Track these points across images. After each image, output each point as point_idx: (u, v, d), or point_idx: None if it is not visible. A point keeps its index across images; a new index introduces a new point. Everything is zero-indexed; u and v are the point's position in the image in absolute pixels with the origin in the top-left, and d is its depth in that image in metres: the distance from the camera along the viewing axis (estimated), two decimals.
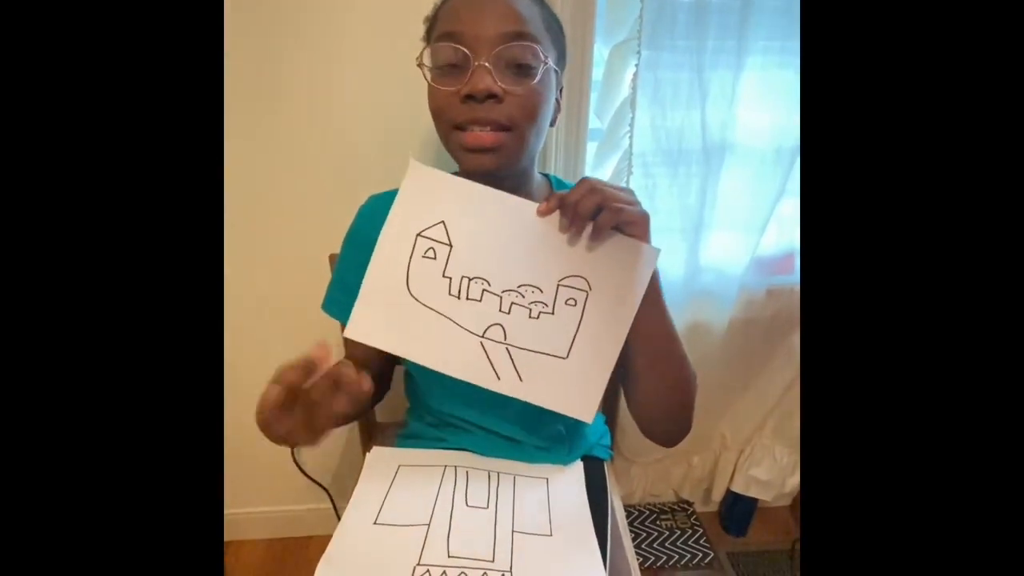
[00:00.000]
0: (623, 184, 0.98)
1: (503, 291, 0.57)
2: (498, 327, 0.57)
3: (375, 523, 0.60)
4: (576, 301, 0.56)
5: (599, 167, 1.01)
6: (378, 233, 0.57)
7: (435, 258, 0.56)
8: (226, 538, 1.30)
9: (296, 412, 0.53)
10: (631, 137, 0.95)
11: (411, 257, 0.57)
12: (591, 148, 0.99)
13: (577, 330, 0.57)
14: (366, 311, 0.58)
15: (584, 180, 0.52)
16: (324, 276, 0.80)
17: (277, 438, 0.54)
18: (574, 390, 0.59)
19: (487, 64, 0.55)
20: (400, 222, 0.57)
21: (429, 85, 0.59)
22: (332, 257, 0.90)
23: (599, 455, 0.80)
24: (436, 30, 0.59)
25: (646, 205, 1.00)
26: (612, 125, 0.96)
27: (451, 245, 0.56)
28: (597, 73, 0.93)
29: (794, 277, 1.11)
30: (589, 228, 0.53)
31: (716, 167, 0.99)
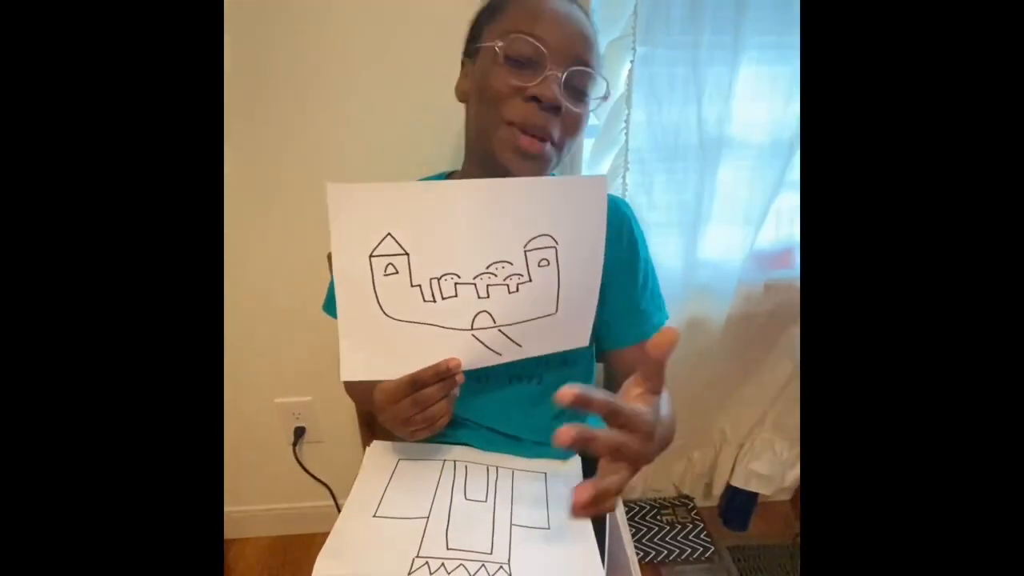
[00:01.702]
0: (620, 180, 0.99)
1: (475, 278, 0.55)
2: (484, 314, 0.56)
3: (375, 516, 0.61)
4: (548, 260, 0.55)
5: (596, 164, 1.01)
6: None
7: (397, 272, 0.54)
8: (229, 536, 1.31)
9: (403, 404, 0.56)
10: (627, 133, 0.95)
11: (373, 281, 0.54)
12: (588, 145, 0.99)
13: (559, 284, 0.56)
14: (354, 350, 0.56)
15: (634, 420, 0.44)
16: (324, 276, 0.81)
17: (370, 406, 0.60)
18: (568, 329, 0.60)
19: (560, 75, 0.57)
20: (346, 251, 0.53)
21: (492, 67, 0.58)
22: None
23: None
24: (512, 18, 0.59)
25: (643, 201, 1.02)
26: (608, 122, 0.97)
27: (407, 253, 0.53)
28: None
29: (792, 271, 1.11)
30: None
31: (713, 162, 0.99)
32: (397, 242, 0.53)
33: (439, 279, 0.54)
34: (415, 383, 0.55)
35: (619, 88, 0.94)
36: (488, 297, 0.56)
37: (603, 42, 0.92)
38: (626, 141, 0.96)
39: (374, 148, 0.96)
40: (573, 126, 0.60)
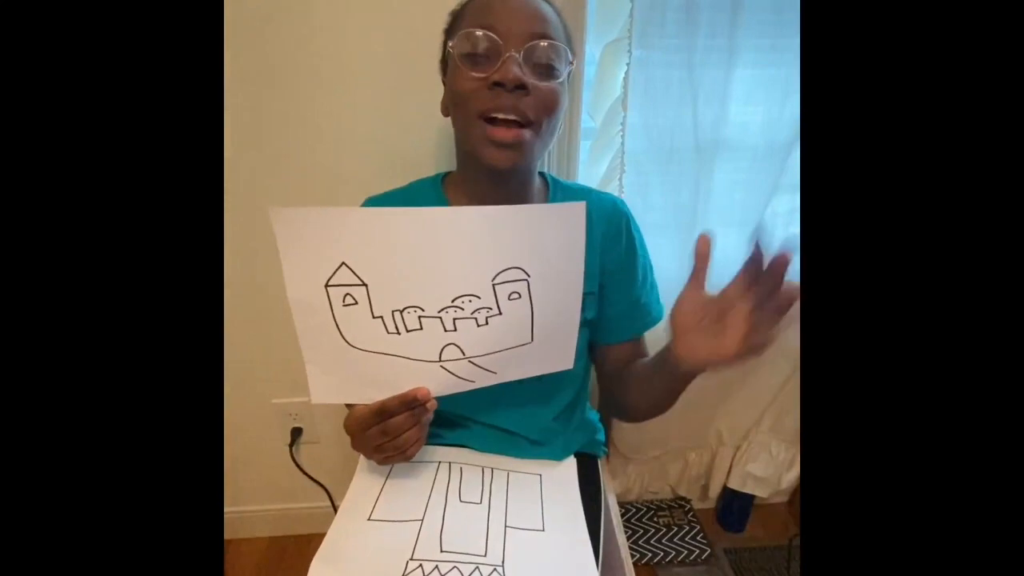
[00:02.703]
0: (616, 182, 0.99)
1: (439, 311, 0.51)
2: (452, 347, 0.53)
3: (369, 519, 0.61)
4: (519, 293, 0.51)
5: (593, 166, 1.01)
6: None
7: (356, 302, 0.50)
8: (226, 536, 1.31)
9: (372, 432, 0.56)
10: (623, 136, 0.96)
11: (332, 311, 0.50)
12: (584, 147, 0.99)
13: (532, 316, 0.53)
14: (320, 374, 0.54)
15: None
16: None
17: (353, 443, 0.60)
18: (548, 355, 0.58)
19: (518, 56, 0.57)
20: (298, 280, 0.50)
21: (455, 70, 0.60)
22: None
23: (594, 451, 0.81)
24: (465, 22, 0.60)
25: (640, 203, 1.02)
26: (605, 124, 0.97)
27: (365, 284, 0.50)
28: (589, 72, 0.93)
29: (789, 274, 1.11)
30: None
31: (709, 164, 0.99)
32: (353, 272, 0.49)
33: (401, 312, 0.51)
34: (383, 412, 0.54)
35: (615, 91, 0.94)
36: (456, 331, 0.52)
37: (599, 45, 0.92)
38: (622, 143, 0.96)
39: (374, 147, 0.96)
40: (546, 102, 0.59)
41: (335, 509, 1.27)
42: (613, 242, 0.71)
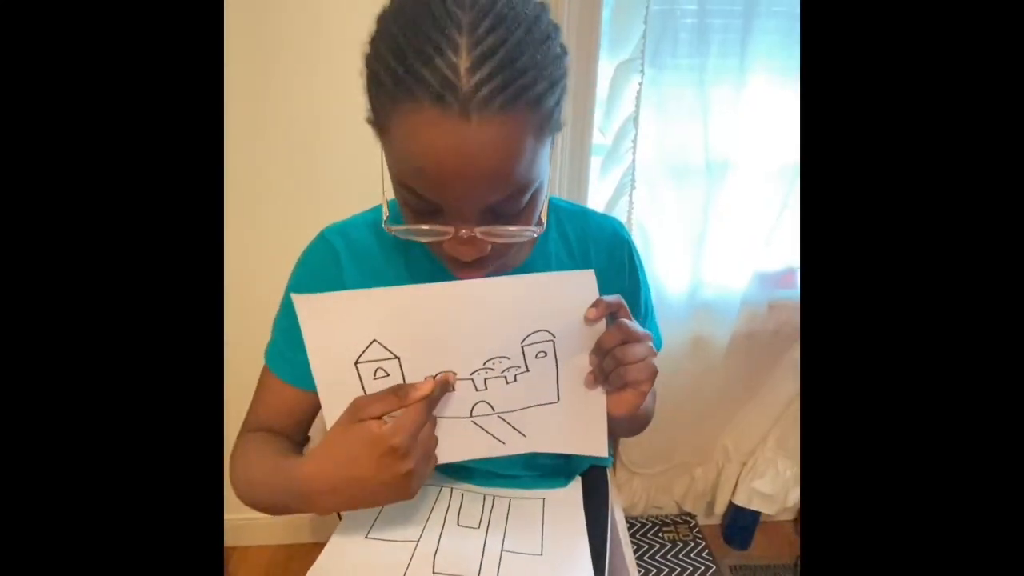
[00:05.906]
0: (627, 197, 0.99)
1: (471, 374, 0.52)
2: (483, 403, 0.55)
3: (367, 537, 0.61)
4: (546, 352, 0.53)
5: (603, 182, 1.02)
6: (331, 277, 0.58)
7: (388, 375, 0.51)
8: (233, 543, 1.32)
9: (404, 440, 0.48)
10: (634, 152, 0.96)
11: (363, 386, 0.52)
12: (595, 163, 1.00)
13: (557, 373, 0.54)
14: None
15: (619, 330, 0.50)
16: None
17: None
18: (578, 428, 0.57)
19: (472, 232, 0.44)
20: (327, 359, 0.50)
21: (403, 212, 0.48)
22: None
23: (600, 463, 0.79)
24: (397, 158, 0.43)
25: (649, 219, 1.02)
26: (616, 141, 0.97)
27: (397, 357, 0.51)
28: (601, 90, 0.94)
29: (796, 291, 1.11)
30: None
31: (718, 182, 0.99)
32: (384, 347, 0.50)
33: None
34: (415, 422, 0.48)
35: (627, 109, 0.95)
36: (486, 390, 0.54)
37: (612, 64, 0.93)
38: (633, 160, 0.97)
39: (376, 147, 0.96)
40: (520, 244, 0.50)
41: (340, 517, 1.28)
42: (615, 276, 0.67)
